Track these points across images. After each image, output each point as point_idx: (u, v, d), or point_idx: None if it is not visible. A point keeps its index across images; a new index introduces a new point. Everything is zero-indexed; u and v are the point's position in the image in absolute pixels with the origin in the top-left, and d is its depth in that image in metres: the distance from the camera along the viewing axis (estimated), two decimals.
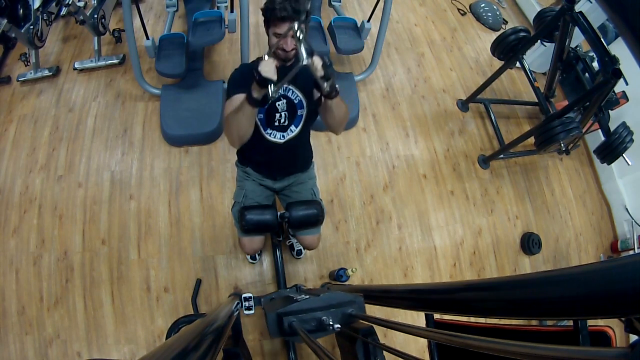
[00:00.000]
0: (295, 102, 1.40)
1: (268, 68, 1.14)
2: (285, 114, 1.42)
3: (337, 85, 1.23)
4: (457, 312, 0.71)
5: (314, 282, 2.20)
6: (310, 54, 1.11)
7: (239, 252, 2.18)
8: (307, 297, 0.99)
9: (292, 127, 1.45)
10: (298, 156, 1.61)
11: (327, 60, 1.16)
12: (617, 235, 2.86)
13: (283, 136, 1.46)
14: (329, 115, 1.33)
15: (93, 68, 2.70)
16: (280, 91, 1.38)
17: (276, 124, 1.43)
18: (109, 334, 1.99)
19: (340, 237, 2.32)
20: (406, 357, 0.55)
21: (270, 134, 1.45)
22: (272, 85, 1.15)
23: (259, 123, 1.42)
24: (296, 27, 1.09)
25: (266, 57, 1.15)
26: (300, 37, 1.09)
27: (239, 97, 1.29)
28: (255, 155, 1.59)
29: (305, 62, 1.10)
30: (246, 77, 1.30)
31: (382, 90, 2.90)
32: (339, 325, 0.87)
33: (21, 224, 2.21)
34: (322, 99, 1.30)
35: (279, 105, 1.40)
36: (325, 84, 1.18)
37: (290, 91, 1.39)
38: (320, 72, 1.15)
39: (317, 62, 1.14)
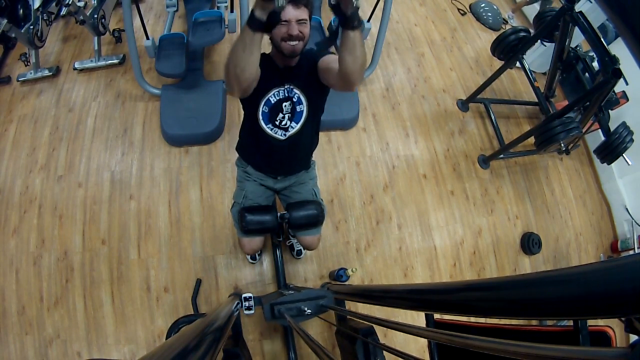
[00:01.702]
0: (295, 100, 1.39)
1: None
2: (288, 115, 1.41)
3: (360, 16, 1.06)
4: (457, 312, 0.71)
5: (314, 282, 2.20)
6: None
7: (239, 252, 2.18)
8: (292, 292, 1.39)
9: (293, 124, 1.44)
10: (300, 153, 1.58)
11: None
12: (617, 235, 2.86)
13: (284, 134, 1.45)
14: (349, 57, 1.11)
15: (93, 68, 2.70)
16: (285, 93, 1.37)
17: (277, 122, 1.42)
18: (109, 334, 1.99)
19: (340, 237, 2.32)
20: (406, 357, 0.55)
21: (272, 129, 1.43)
22: None
23: (261, 117, 1.40)
24: None
25: None
26: None
27: None
28: (257, 153, 1.57)
29: None
30: None
31: (382, 90, 2.90)
32: (310, 311, 1.27)
33: (21, 224, 2.21)
34: (339, 31, 1.11)
35: (285, 106, 1.39)
36: (355, 1, 0.99)
37: (292, 90, 1.38)
38: None
39: None
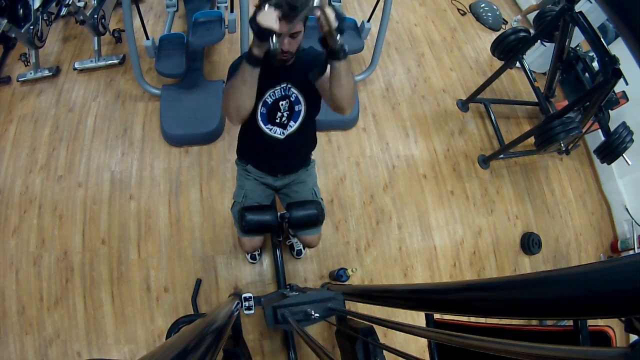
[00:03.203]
0: (293, 99, 1.40)
1: (268, 17, 1.03)
2: (287, 113, 1.42)
3: (345, 46, 1.11)
4: (457, 312, 0.71)
5: (314, 282, 2.20)
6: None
7: (239, 252, 2.18)
8: (297, 294, 1.25)
9: (292, 123, 1.44)
10: (299, 151, 1.59)
11: (339, 11, 1.04)
12: (617, 235, 2.86)
13: (283, 132, 1.45)
14: (336, 85, 1.18)
15: (93, 68, 2.70)
16: (281, 92, 1.37)
17: (277, 120, 1.43)
18: (109, 334, 1.99)
19: (340, 237, 2.32)
20: (406, 357, 0.55)
21: (271, 129, 1.44)
22: (274, 36, 1.04)
23: (259, 118, 1.41)
24: None
25: (266, 6, 1.04)
26: None
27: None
28: (256, 152, 1.58)
29: (317, 3, 1.00)
30: None
31: (382, 90, 2.90)
32: (318, 315, 1.13)
33: (21, 224, 2.21)
34: (327, 67, 1.19)
35: (282, 105, 1.39)
36: (339, 37, 1.06)
37: (289, 89, 1.38)
38: (333, 24, 1.03)
39: (330, 12, 1.03)
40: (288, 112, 1.42)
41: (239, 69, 1.21)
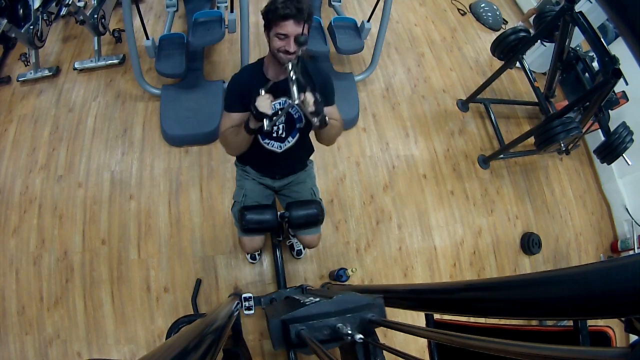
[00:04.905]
0: (295, 117, 1.42)
1: (264, 104, 1.18)
2: (283, 126, 1.43)
3: (326, 117, 1.25)
4: (457, 312, 0.71)
5: (313, 282, 2.20)
6: (302, 90, 1.17)
7: (239, 252, 2.18)
8: (317, 299, 0.78)
9: (290, 138, 1.47)
10: (296, 158, 1.62)
11: (318, 96, 1.19)
12: (617, 235, 2.85)
13: (280, 147, 1.48)
14: (320, 137, 1.42)
15: (93, 68, 2.70)
16: (279, 105, 1.38)
17: (274, 135, 1.45)
18: (109, 334, 1.99)
19: (340, 237, 2.32)
20: (406, 357, 0.55)
21: (268, 143, 1.47)
22: (267, 119, 1.21)
23: (257, 134, 1.43)
24: (290, 67, 1.16)
25: (262, 92, 1.19)
26: (293, 77, 1.16)
27: (235, 117, 1.36)
28: (253, 160, 1.62)
29: (297, 102, 1.16)
30: (244, 86, 1.33)
31: (382, 90, 2.90)
32: (361, 336, 0.65)
33: (21, 224, 2.21)
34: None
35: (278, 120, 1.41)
36: (315, 119, 1.21)
37: (292, 107, 1.38)
38: (311, 108, 1.18)
39: (309, 98, 1.17)
40: (284, 125, 1.43)
41: (237, 129, 1.34)
